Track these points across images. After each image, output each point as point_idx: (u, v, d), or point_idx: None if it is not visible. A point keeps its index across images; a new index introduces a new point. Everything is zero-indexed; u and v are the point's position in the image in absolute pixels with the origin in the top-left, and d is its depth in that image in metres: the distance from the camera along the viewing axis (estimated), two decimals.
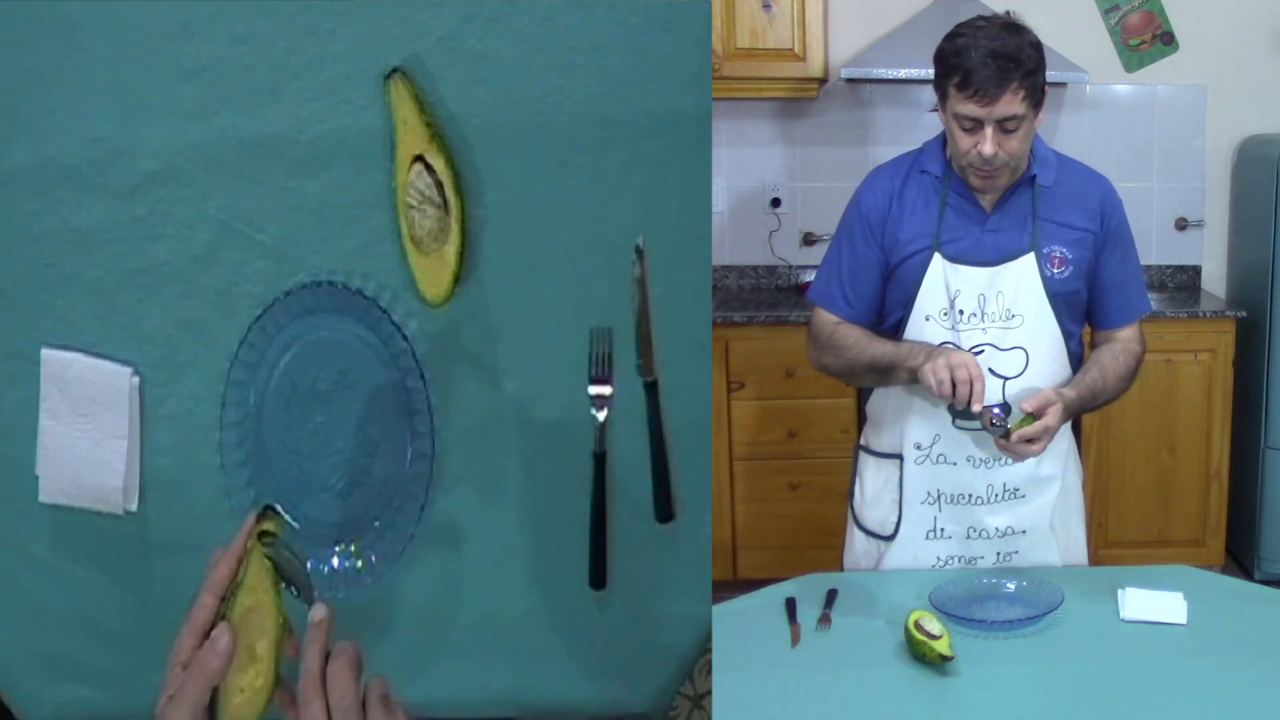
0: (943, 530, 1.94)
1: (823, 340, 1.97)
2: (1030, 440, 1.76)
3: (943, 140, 1.88)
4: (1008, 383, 1.87)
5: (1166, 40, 3.86)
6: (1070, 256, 1.88)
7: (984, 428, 1.78)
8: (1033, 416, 1.76)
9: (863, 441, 2.06)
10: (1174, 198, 3.96)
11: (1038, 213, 1.86)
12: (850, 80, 3.68)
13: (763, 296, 3.91)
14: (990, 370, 1.87)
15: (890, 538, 1.98)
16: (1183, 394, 3.60)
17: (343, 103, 1.43)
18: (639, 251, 1.46)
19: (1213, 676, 1.57)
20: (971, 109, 1.75)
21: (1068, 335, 1.90)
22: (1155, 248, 3.97)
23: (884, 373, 1.89)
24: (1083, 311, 1.95)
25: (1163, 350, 3.53)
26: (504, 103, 1.44)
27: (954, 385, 1.76)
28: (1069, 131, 3.84)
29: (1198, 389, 3.60)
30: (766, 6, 3.56)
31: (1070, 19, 3.81)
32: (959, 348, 1.87)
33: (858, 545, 2.05)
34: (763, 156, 3.96)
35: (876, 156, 3.88)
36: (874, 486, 2.01)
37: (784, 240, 4.01)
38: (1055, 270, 1.87)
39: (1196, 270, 4.02)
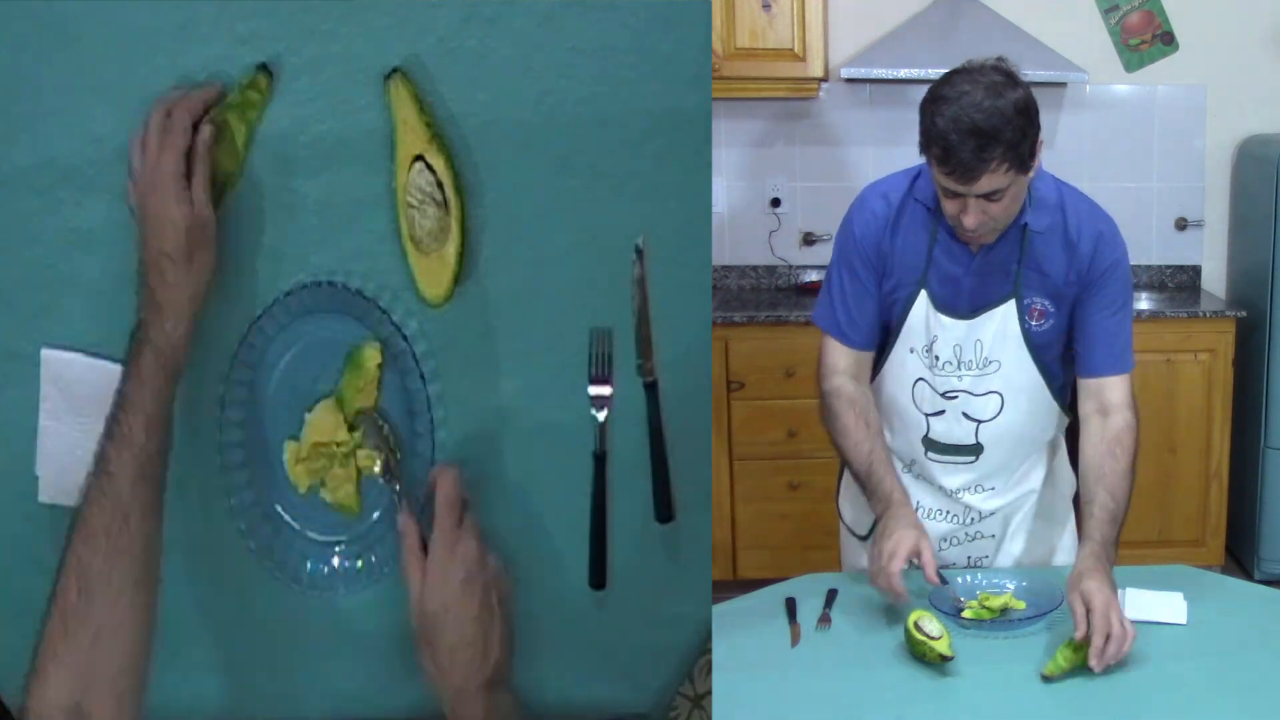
0: None
1: (824, 391, 1.93)
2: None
3: None
4: (981, 426, 1.87)
5: (1166, 40, 3.86)
6: (1051, 310, 1.83)
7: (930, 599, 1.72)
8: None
9: None
10: (1174, 198, 3.96)
11: (1024, 260, 1.80)
12: (850, 80, 3.68)
13: (763, 296, 3.91)
14: (964, 414, 1.86)
15: (864, 538, 1.99)
16: (1183, 394, 3.60)
17: (343, 103, 1.43)
18: (639, 251, 1.46)
19: (1213, 676, 1.57)
20: (950, 184, 1.68)
21: (1049, 375, 1.86)
22: (1155, 248, 3.97)
23: (856, 478, 1.90)
24: (1064, 353, 1.89)
25: (1163, 350, 3.54)
26: (504, 103, 1.43)
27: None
28: (1069, 131, 3.84)
29: (1198, 389, 3.60)
30: (766, 6, 3.56)
31: (1070, 19, 3.81)
32: (934, 390, 1.87)
33: (845, 540, 2.07)
34: (763, 156, 3.96)
35: (877, 156, 3.88)
36: (854, 487, 2.02)
37: (784, 240, 4.01)
38: (1035, 323, 1.83)
39: (1196, 270, 4.02)
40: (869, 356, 1.94)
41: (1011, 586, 1.78)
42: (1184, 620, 1.69)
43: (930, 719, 1.51)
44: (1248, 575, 3.68)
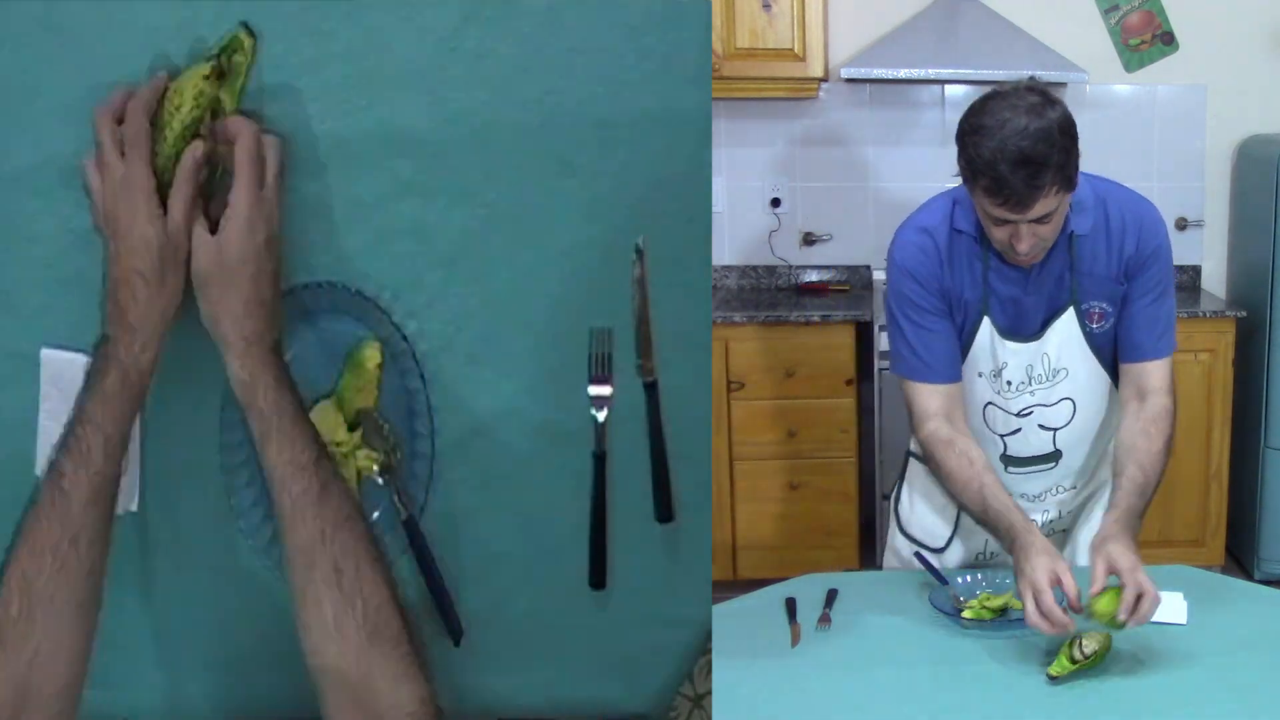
0: (993, 555, 1.94)
1: (921, 438, 1.87)
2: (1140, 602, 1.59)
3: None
4: (1058, 433, 1.87)
5: (1166, 40, 3.86)
6: (1109, 310, 1.83)
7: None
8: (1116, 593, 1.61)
9: (915, 449, 2.02)
10: (1174, 198, 3.96)
11: (1076, 267, 1.80)
12: (850, 80, 3.68)
13: (763, 296, 3.91)
14: (1040, 426, 1.86)
15: (940, 550, 1.98)
16: (1183, 394, 3.54)
17: (343, 103, 1.43)
18: (639, 251, 1.46)
19: (1213, 676, 1.57)
20: (1003, 214, 1.66)
21: (1114, 372, 1.88)
22: None
23: (974, 519, 1.83)
24: None
25: None
26: (504, 103, 1.43)
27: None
28: None
29: (1198, 389, 3.60)
30: (766, 6, 3.57)
31: (1070, 19, 3.81)
32: (1006, 411, 1.86)
33: (901, 551, 2.04)
34: (763, 156, 3.97)
35: (877, 156, 3.89)
36: (929, 497, 2.00)
37: (784, 240, 4.01)
38: (1095, 325, 1.84)
39: (1196, 270, 4.02)
40: (958, 388, 1.88)
41: (1012, 586, 1.77)
42: (1184, 620, 1.69)
43: (930, 719, 1.51)
44: (1248, 575, 3.69)
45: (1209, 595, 1.78)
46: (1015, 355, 1.84)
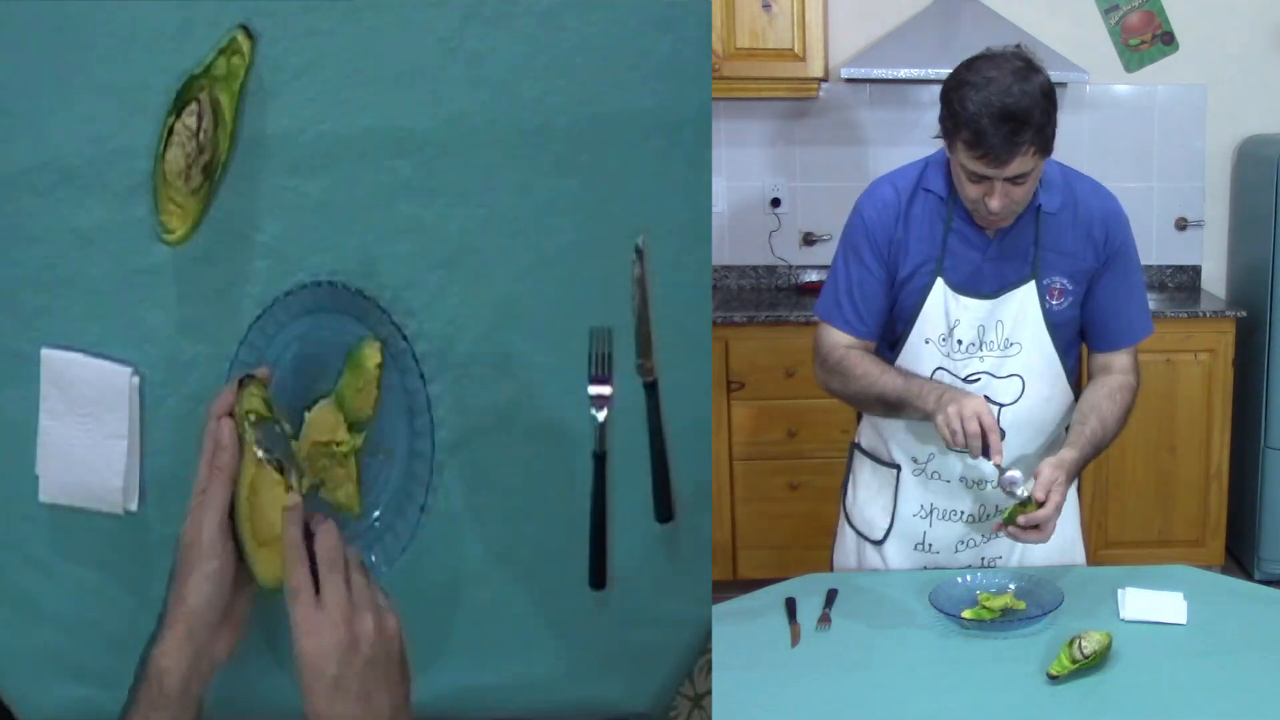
0: (930, 545, 1.95)
1: (831, 364, 1.92)
2: (1036, 527, 1.74)
3: (947, 159, 1.83)
4: (1004, 409, 1.87)
5: (1166, 40, 3.86)
6: (1070, 288, 1.86)
7: (999, 485, 1.78)
8: (1035, 502, 1.73)
9: (858, 441, 2.06)
10: (1174, 198, 3.97)
11: (1040, 241, 1.83)
12: (850, 80, 3.68)
13: (763, 296, 3.91)
14: (987, 398, 1.86)
15: (878, 542, 1.98)
16: (1183, 394, 3.60)
17: (343, 103, 1.43)
18: (639, 251, 1.46)
19: (1213, 676, 1.57)
20: (980, 168, 1.71)
21: (1065, 357, 1.89)
22: (1155, 248, 3.97)
23: (894, 407, 1.86)
24: (1078, 332, 1.93)
25: (1163, 350, 3.54)
26: (504, 103, 1.44)
27: (968, 435, 1.75)
28: (1069, 131, 3.79)
29: (1198, 389, 3.60)
30: (766, 6, 3.57)
31: (1070, 19, 3.81)
32: (955, 375, 1.86)
33: (848, 542, 2.05)
34: (763, 156, 3.97)
35: (876, 156, 3.89)
36: (868, 489, 2.01)
37: (784, 240, 4.01)
38: (1055, 302, 1.86)
39: (1196, 270, 4.02)
40: (873, 347, 1.94)
41: (1012, 587, 1.78)
42: (1184, 620, 1.69)
43: (930, 719, 1.51)
44: (1248, 575, 3.69)
45: (1209, 595, 1.78)
46: (968, 312, 1.85)
